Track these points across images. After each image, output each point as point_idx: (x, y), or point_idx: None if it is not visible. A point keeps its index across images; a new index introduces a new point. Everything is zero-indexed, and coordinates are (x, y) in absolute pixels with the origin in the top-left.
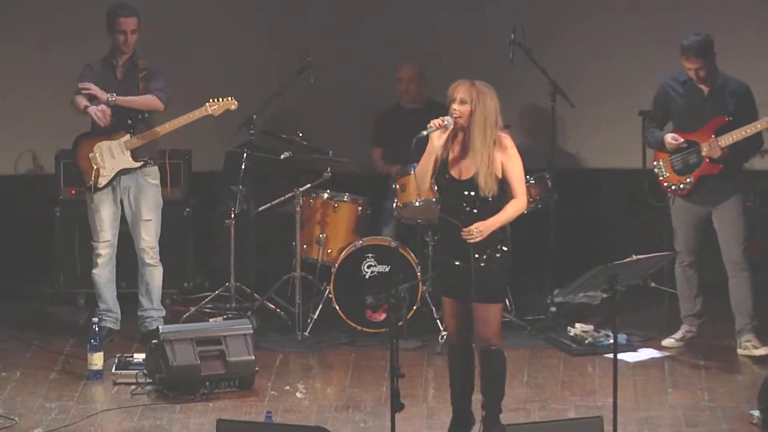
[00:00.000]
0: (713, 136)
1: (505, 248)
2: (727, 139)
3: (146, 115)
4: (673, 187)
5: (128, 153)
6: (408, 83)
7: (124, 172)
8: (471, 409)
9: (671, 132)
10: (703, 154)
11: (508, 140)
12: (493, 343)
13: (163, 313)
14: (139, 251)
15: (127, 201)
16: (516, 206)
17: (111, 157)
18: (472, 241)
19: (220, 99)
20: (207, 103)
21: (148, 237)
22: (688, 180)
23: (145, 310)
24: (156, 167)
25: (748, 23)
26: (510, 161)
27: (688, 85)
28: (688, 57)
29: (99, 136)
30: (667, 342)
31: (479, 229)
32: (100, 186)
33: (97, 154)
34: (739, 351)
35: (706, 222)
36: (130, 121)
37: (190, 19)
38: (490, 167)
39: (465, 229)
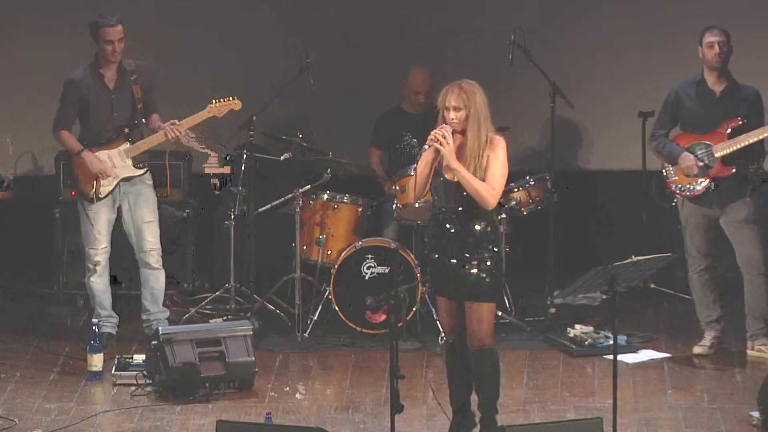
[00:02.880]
0: (726, 136)
1: (495, 249)
2: (738, 142)
3: (143, 121)
4: (682, 189)
5: (129, 161)
6: (424, 95)
7: (125, 179)
8: (471, 409)
9: (681, 134)
10: (716, 155)
11: (500, 141)
12: (486, 342)
13: (167, 313)
14: (143, 255)
15: (127, 206)
16: (486, 187)
17: (112, 166)
18: (433, 143)
19: (223, 99)
20: (210, 105)
21: (153, 238)
22: (699, 181)
23: (151, 314)
24: (148, 168)
25: (750, 23)
26: (495, 157)
27: (701, 88)
28: (712, 31)
29: (96, 146)
30: (698, 350)
31: (441, 135)
32: (101, 196)
33: (103, 158)
34: (751, 353)
35: (716, 225)
36: (127, 130)
37: (190, 20)
38: (479, 160)
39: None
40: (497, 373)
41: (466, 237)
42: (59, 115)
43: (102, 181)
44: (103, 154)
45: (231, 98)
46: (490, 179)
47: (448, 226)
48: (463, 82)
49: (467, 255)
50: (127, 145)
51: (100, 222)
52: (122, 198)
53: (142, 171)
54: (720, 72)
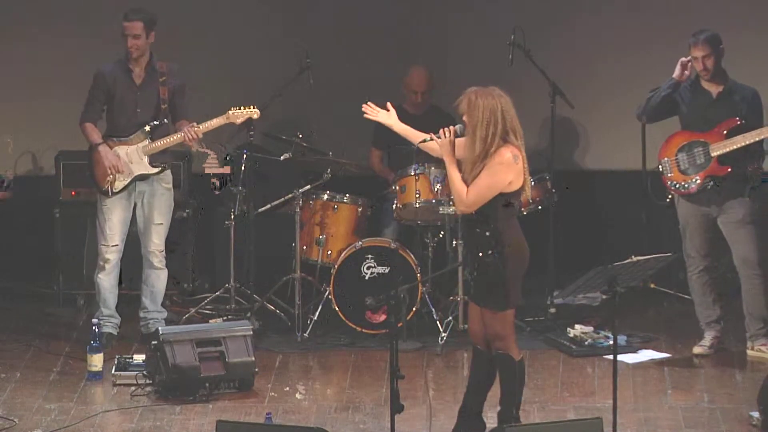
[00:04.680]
0: (724, 136)
1: (497, 254)
2: (735, 143)
3: (165, 121)
4: (677, 186)
5: (146, 159)
6: (422, 95)
7: (141, 177)
8: (481, 416)
9: (679, 131)
10: (713, 154)
11: (501, 156)
12: (496, 346)
13: (165, 314)
14: (147, 254)
15: (141, 205)
16: (459, 191)
17: (128, 162)
18: (434, 136)
19: (243, 108)
20: (229, 112)
21: (158, 240)
22: (694, 179)
23: (148, 312)
24: (170, 171)
25: (749, 25)
26: (487, 168)
27: (696, 88)
28: (697, 44)
29: (117, 140)
30: (698, 350)
31: (445, 130)
32: (116, 190)
33: (121, 154)
34: (751, 353)
35: (715, 224)
36: (148, 128)
37: (189, 21)
38: (474, 169)
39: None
40: (511, 379)
41: (470, 240)
42: (86, 107)
43: (118, 176)
44: (121, 150)
45: (250, 107)
46: (470, 186)
47: (464, 228)
48: (478, 90)
49: (470, 258)
50: (146, 143)
51: (113, 219)
52: (137, 196)
53: (156, 170)
54: (714, 75)
